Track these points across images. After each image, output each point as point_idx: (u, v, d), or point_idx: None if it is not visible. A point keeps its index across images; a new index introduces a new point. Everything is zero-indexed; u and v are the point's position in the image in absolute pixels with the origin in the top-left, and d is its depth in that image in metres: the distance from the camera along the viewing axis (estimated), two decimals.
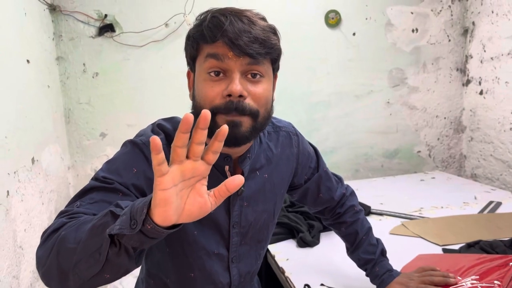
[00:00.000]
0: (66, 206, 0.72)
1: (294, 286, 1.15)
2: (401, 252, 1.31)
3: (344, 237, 1.13)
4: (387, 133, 2.56)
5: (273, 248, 1.42)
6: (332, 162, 2.49)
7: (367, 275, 1.08)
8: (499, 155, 2.34)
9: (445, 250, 1.32)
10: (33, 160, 1.65)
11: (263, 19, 0.77)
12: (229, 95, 0.72)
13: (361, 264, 1.09)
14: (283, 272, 1.24)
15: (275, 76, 0.84)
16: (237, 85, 0.71)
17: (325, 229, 1.52)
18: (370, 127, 2.54)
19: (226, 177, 0.80)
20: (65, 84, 2.17)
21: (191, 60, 0.80)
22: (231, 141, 0.74)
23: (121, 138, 2.25)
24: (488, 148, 2.43)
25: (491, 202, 1.74)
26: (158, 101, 2.25)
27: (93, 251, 0.57)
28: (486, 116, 2.42)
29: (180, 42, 2.27)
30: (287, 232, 1.49)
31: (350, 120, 2.50)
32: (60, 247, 0.61)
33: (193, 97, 0.79)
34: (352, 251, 1.11)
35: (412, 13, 2.45)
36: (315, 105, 2.45)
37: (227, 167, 0.83)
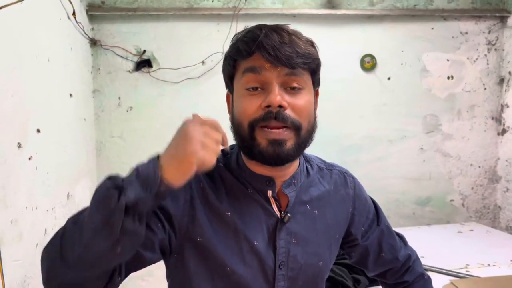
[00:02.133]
0: None
1: None
2: None
3: None
4: (420, 179, 2.49)
5: None
6: None
7: None
8: None
9: None
10: (68, 196, 1.61)
11: (300, 33, 0.75)
12: (268, 106, 0.69)
13: None
14: None
15: (316, 93, 0.80)
16: (276, 95, 0.68)
17: (371, 283, 1.44)
18: (403, 173, 2.47)
19: (270, 204, 0.77)
20: (99, 117, 2.16)
21: (229, 80, 0.78)
22: (274, 159, 0.71)
23: None
24: None
25: None
26: None
27: (103, 224, 0.56)
28: None
29: (216, 80, 2.27)
30: (331, 286, 1.41)
31: (382, 165, 2.45)
32: (63, 237, 0.59)
33: (232, 117, 0.77)
34: None
35: (448, 60, 2.44)
36: (347, 148, 2.41)
37: (270, 192, 0.77)
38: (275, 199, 0.77)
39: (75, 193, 1.71)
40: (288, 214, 0.77)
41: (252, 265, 0.75)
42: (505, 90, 2.48)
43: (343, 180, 0.90)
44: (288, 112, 0.70)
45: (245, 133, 0.71)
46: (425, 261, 1.70)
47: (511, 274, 1.53)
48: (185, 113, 2.35)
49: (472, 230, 2.19)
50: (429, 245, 1.93)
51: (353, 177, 0.93)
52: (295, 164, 0.80)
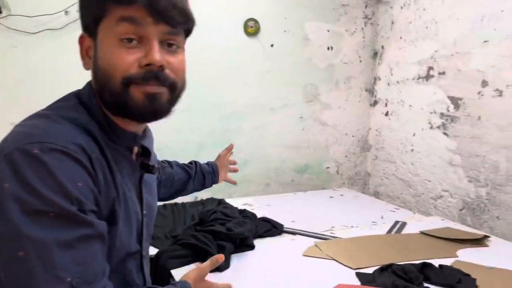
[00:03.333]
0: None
1: None
2: (315, 276, 1.25)
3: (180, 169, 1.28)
4: (299, 148, 2.55)
5: (177, 273, 1.25)
6: (244, 175, 2.39)
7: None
8: (401, 175, 2.45)
9: (358, 274, 1.27)
10: None
11: None
12: (148, 65, 0.65)
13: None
14: None
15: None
16: (158, 54, 0.65)
17: (237, 250, 1.40)
18: (283, 141, 2.50)
19: (134, 158, 0.79)
20: None
21: (93, 22, 0.67)
22: (150, 114, 0.69)
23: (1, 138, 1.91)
24: (390, 167, 2.53)
25: (397, 222, 1.77)
26: (50, 98, 1.94)
27: None
28: (390, 137, 2.53)
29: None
30: (194, 254, 1.33)
31: (264, 133, 2.44)
32: None
33: (95, 66, 0.69)
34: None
35: (328, 31, 2.48)
36: (229, 115, 2.34)
37: (136, 148, 0.80)
38: (139, 154, 0.81)
39: None
40: (155, 165, 0.83)
41: (133, 222, 0.76)
42: (378, 63, 2.62)
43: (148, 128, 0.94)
44: (167, 72, 0.68)
45: (117, 88, 0.65)
46: (295, 225, 1.73)
47: (370, 235, 1.62)
48: (43, 69, 2.05)
49: (342, 195, 2.30)
50: (301, 210, 1.97)
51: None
52: None
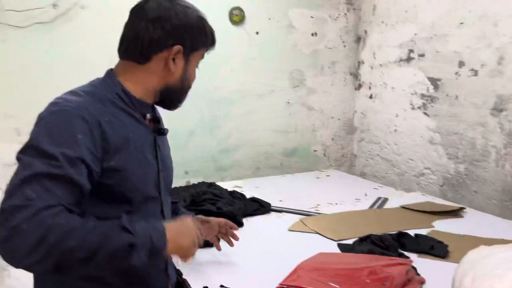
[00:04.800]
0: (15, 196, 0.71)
1: None
2: (299, 248, 1.33)
3: None
4: (287, 132, 2.63)
5: None
6: (234, 160, 2.48)
7: None
8: (385, 155, 2.54)
9: (340, 245, 1.37)
10: None
11: None
12: None
13: None
14: (180, 274, 1.18)
15: None
16: None
17: None
18: (271, 126, 2.57)
19: (146, 123, 0.99)
20: None
21: (191, 48, 0.95)
22: (176, 107, 1.03)
23: None
24: (375, 148, 2.62)
25: (379, 198, 1.87)
26: (43, 90, 1.99)
27: (104, 266, 0.75)
28: (375, 119, 2.61)
29: (71, 26, 2.06)
30: None
31: (252, 118, 2.52)
32: (68, 240, 0.70)
33: (183, 74, 0.96)
34: None
35: (312, 17, 2.55)
36: (218, 102, 2.41)
37: (149, 115, 0.99)
38: (150, 120, 1.00)
39: None
40: (166, 129, 1.04)
41: (149, 172, 0.95)
42: (361, 48, 2.69)
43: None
44: None
45: (186, 93, 1.00)
46: (283, 204, 1.82)
47: (352, 210, 1.71)
48: (35, 62, 2.08)
49: (328, 175, 2.39)
50: (288, 190, 2.06)
51: None
52: None
